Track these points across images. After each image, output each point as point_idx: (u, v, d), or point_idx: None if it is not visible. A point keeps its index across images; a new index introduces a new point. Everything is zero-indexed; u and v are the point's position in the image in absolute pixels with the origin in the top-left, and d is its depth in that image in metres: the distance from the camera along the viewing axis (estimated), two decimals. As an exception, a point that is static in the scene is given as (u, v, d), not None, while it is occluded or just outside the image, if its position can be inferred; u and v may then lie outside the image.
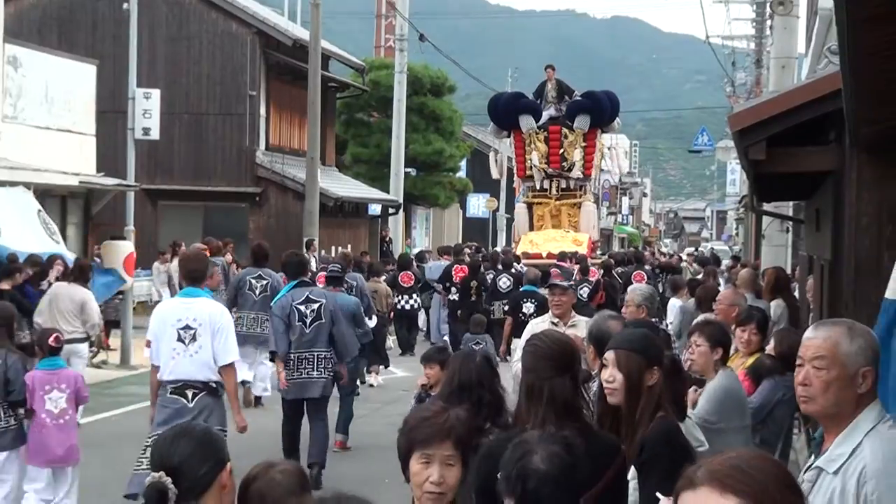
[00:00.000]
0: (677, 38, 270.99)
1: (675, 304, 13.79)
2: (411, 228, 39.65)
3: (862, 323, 3.56)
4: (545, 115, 25.69)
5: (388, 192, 30.54)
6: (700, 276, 17.47)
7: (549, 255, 22.62)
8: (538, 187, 25.59)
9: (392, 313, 17.81)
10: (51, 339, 7.88)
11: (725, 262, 27.73)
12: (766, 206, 14.88)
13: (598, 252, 26.35)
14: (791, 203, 17.25)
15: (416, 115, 35.14)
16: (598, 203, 60.71)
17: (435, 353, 6.82)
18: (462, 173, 41.88)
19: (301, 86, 24.46)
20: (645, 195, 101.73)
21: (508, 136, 26.46)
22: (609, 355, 4.10)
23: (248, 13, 26.19)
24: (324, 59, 25.99)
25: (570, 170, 25.46)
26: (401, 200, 30.29)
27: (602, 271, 18.62)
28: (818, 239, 9.90)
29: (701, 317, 8.37)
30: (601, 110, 25.33)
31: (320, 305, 9.86)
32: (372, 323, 15.59)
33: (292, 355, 9.82)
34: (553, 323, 7.77)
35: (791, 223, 17.89)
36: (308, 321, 9.81)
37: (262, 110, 26.49)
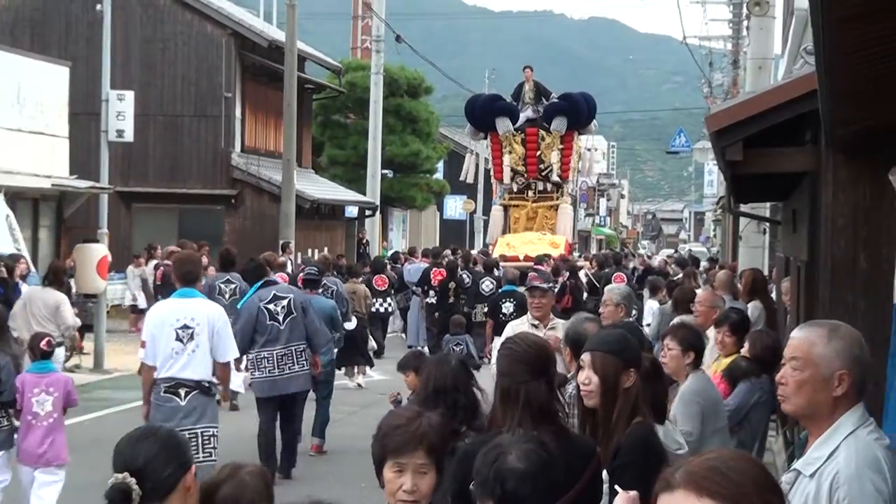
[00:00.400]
0: (654, 38, 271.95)
1: (652, 305, 13.82)
2: (388, 230, 39.62)
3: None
4: (522, 117, 25.73)
5: (364, 194, 30.50)
6: (678, 278, 17.53)
7: (527, 258, 22.63)
8: (514, 190, 25.65)
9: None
10: (42, 342, 8.02)
11: (703, 264, 27.83)
12: (744, 208, 14.92)
13: (576, 254, 26.43)
14: (768, 204, 17.30)
15: (393, 117, 35.12)
16: (576, 204, 60.91)
17: (411, 360, 6.80)
18: (439, 175, 41.89)
19: (277, 87, 24.40)
20: (622, 197, 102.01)
21: (485, 138, 26.50)
22: (585, 357, 4.09)
23: (223, 14, 26.11)
24: (300, 60, 25.93)
25: (547, 172, 25.52)
26: (377, 202, 30.26)
27: (568, 273, 18.59)
28: (795, 240, 9.93)
29: (676, 319, 8.37)
30: (578, 112, 25.43)
31: (289, 301, 9.98)
32: (352, 325, 15.63)
33: (270, 353, 9.83)
34: (533, 325, 7.75)
35: (768, 224, 17.93)
36: (281, 318, 9.90)
37: (238, 112, 26.41)
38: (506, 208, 25.95)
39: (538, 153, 25.52)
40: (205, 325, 7.93)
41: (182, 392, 7.88)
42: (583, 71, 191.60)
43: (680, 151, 53.23)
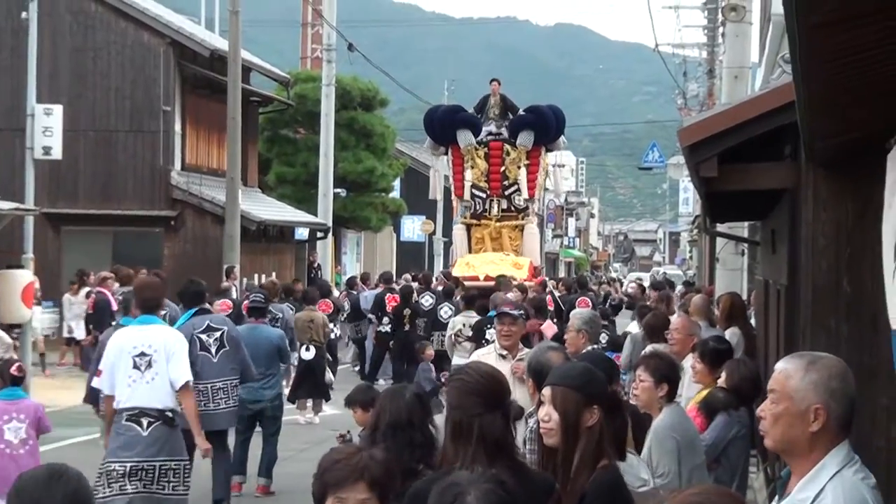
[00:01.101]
0: (625, 46, 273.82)
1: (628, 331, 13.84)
2: (341, 254, 39.52)
3: (819, 351, 3.58)
4: (484, 130, 25.74)
5: (315, 214, 30.42)
6: (650, 303, 17.57)
7: (487, 278, 22.68)
8: (478, 208, 25.64)
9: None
10: (13, 368, 8.31)
11: (679, 288, 27.95)
12: (721, 227, 15.01)
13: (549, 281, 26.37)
14: (746, 224, 17.41)
15: (346, 132, 35.08)
16: (543, 224, 61.11)
17: (358, 395, 6.75)
18: (395, 194, 41.85)
19: (220, 100, 24.27)
20: (592, 216, 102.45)
21: (446, 153, 26.48)
22: (545, 392, 4.07)
23: (161, 22, 26.00)
24: (244, 71, 25.86)
25: (512, 190, 25.51)
26: (329, 224, 30.19)
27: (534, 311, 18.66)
28: (774, 262, 9.98)
29: (648, 348, 8.38)
30: (546, 126, 25.38)
31: (222, 333, 10.10)
32: (310, 355, 15.63)
33: (203, 386, 9.85)
34: (500, 355, 7.73)
35: (746, 245, 18.04)
36: (214, 350, 10.03)
37: (178, 127, 26.28)
38: (468, 227, 25.94)
39: (502, 169, 25.51)
40: (162, 352, 8.31)
41: (144, 422, 8.20)
42: (549, 81, 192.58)
43: (653, 167, 53.55)
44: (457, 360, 15.02)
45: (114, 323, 12.63)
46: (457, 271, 23.95)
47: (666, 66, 36.97)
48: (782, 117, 7.05)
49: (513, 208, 25.54)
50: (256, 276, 26.31)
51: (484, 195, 25.61)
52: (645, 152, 52.17)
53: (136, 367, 8.26)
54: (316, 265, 31.21)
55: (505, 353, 7.77)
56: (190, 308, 10.31)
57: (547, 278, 23.21)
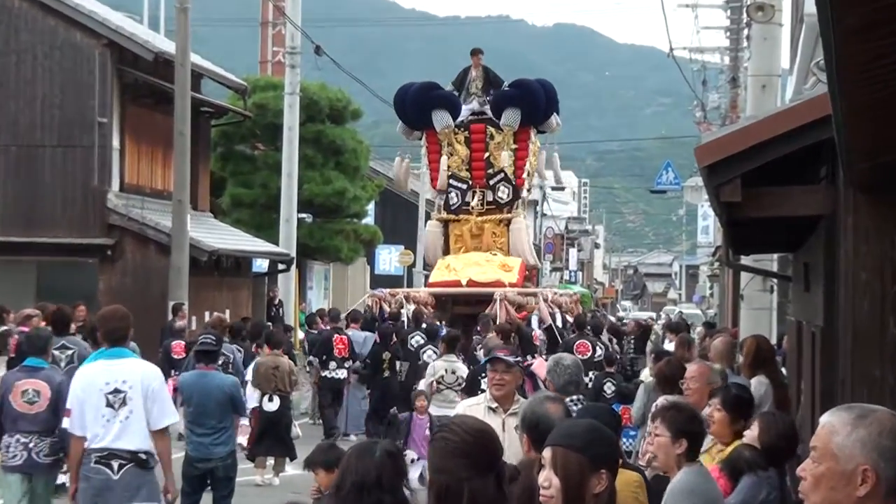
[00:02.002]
0: (635, 50, 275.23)
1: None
2: (306, 289, 39.47)
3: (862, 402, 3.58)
4: (465, 110, 25.52)
5: (276, 243, 30.39)
6: (666, 346, 17.56)
7: (471, 283, 22.61)
8: (456, 201, 25.37)
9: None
10: None
11: (697, 330, 27.99)
12: (745, 260, 15.05)
13: (546, 290, 26.07)
14: (776, 256, 17.47)
15: (312, 148, 35.11)
16: (541, 251, 61.11)
17: (318, 455, 6.73)
18: (370, 220, 41.88)
19: (165, 111, 24.22)
20: (597, 246, 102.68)
21: (420, 138, 26.31)
22: (545, 454, 4.04)
23: (96, 20, 25.97)
24: (194, 77, 25.85)
25: (497, 179, 25.21)
26: (293, 254, 30.16)
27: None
28: (807, 300, 9.99)
29: (661, 398, 8.36)
30: (534, 102, 25.06)
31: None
32: (273, 405, 15.61)
33: None
34: (490, 408, 7.69)
35: (776, 281, 18.09)
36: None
37: (116, 141, 26.25)
38: (446, 224, 25.70)
39: (486, 155, 25.33)
40: (138, 388, 8.59)
41: (115, 464, 8.55)
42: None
43: (668, 190, 53.70)
44: (436, 411, 15.02)
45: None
46: (435, 276, 23.85)
47: (682, 74, 37.16)
48: (817, 133, 7.07)
49: (496, 200, 25.24)
50: (207, 314, 26.23)
51: (465, 186, 25.33)
52: (658, 173, 52.30)
53: (109, 404, 8.56)
54: (277, 302, 31.13)
55: (496, 405, 7.73)
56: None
57: (557, 307, 23.02)
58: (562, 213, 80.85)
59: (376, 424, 19.24)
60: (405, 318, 21.37)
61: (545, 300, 22.24)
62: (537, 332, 20.55)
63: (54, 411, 9.85)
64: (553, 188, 61.33)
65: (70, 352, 13.36)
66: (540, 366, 16.36)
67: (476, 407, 7.70)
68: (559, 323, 21.76)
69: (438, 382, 15.59)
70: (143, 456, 8.62)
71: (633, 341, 24.42)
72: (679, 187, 51.27)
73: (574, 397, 8.02)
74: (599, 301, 75.53)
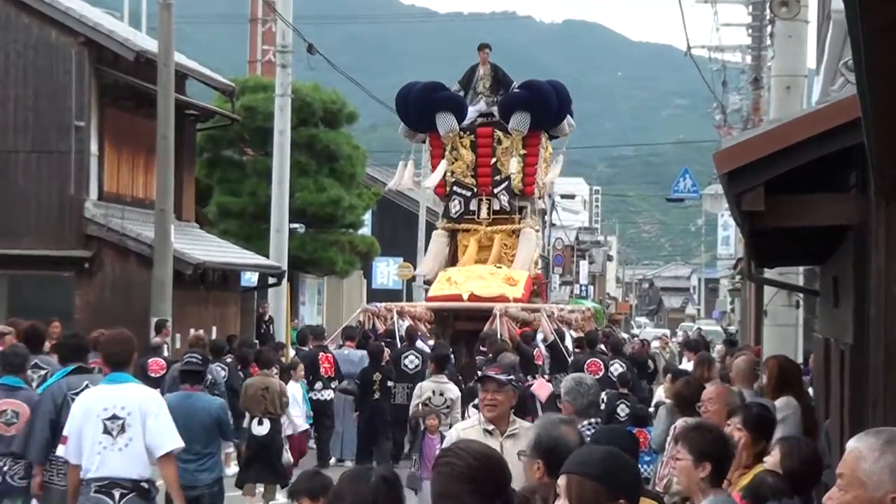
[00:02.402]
0: (650, 49, 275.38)
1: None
2: (298, 304, 39.47)
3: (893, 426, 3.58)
4: (472, 112, 25.53)
5: (267, 255, 30.40)
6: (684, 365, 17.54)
7: (473, 297, 22.53)
8: (459, 209, 25.34)
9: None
10: None
11: (717, 348, 27.98)
12: (769, 274, 15.03)
13: (552, 306, 25.82)
14: (801, 269, 17.46)
15: (305, 153, 35.15)
16: (550, 264, 61.06)
17: (302, 482, 6.68)
18: (366, 230, 41.91)
19: (147, 114, 24.22)
20: (610, 259, 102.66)
21: (424, 141, 26.32)
22: (560, 481, 4.05)
23: (72, 17, 25.98)
24: (179, 77, 25.87)
25: (502, 186, 25.14)
26: (284, 267, 30.17)
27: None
28: (836, 316, 9.99)
29: (680, 420, 8.36)
30: (544, 105, 25.05)
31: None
32: (263, 429, 15.60)
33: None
34: (486, 430, 7.69)
35: (802, 296, 18.08)
36: None
37: (94, 147, 26.26)
38: (452, 233, 25.66)
39: (493, 160, 25.33)
40: (137, 414, 8.85)
41: (116, 494, 8.75)
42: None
43: (685, 198, 53.65)
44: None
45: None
46: (435, 289, 23.78)
47: (701, 74, 37.17)
48: (846, 138, 7.08)
49: (502, 208, 25.18)
50: (192, 331, 26.22)
51: (469, 193, 25.32)
52: (675, 180, 52.27)
53: (106, 431, 8.79)
54: (267, 318, 31.11)
55: (491, 427, 7.73)
56: (67, 364, 10.56)
57: (566, 324, 22.99)
58: (572, 223, 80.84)
59: (363, 451, 19.28)
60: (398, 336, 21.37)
61: (550, 316, 22.19)
62: (541, 350, 20.54)
63: (29, 433, 9.99)
64: (562, 196, 61.38)
65: (43, 371, 13.30)
66: (540, 386, 16.32)
67: (470, 430, 7.69)
68: (568, 342, 21.73)
69: (425, 405, 15.55)
70: (145, 485, 8.87)
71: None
72: (697, 195, 51.21)
73: (592, 420, 8.02)
74: (612, 317, 75.44)
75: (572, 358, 20.39)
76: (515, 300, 22.56)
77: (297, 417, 17.90)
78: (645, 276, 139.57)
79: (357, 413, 19.71)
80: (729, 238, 56.64)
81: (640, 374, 23.76)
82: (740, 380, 10.62)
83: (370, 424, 19.13)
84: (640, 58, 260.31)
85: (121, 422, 8.82)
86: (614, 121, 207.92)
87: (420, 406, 15.56)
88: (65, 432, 9.06)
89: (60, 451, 9.13)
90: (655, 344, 31.57)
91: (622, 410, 15.97)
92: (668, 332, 67.56)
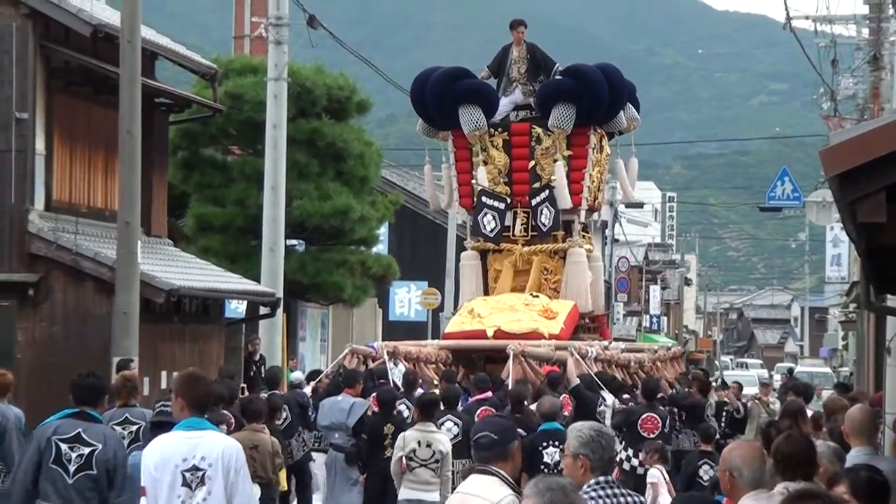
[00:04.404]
0: (739, 20, 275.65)
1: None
2: (297, 340, 39.56)
3: None
4: (505, 104, 25.54)
5: (258, 279, 30.50)
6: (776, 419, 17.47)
7: (499, 334, 22.43)
8: (493, 226, 25.24)
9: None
10: None
11: (824, 394, 27.92)
12: (892, 301, 15.02)
13: (609, 342, 25.21)
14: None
15: (305, 151, 35.24)
16: (613, 289, 60.91)
17: None
18: (382, 248, 41.97)
19: (107, 103, 24.33)
20: (688, 283, 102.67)
21: (447, 139, 26.32)
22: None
23: (15, -16, 26.19)
24: (147, 58, 25.98)
25: (540, 197, 25.00)
26: (280, 294, 30.25)
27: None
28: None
29: (778, 486, 8.37)
30: (594, 95, 24.90)
31: (93, 451, 11.21)
32: (255, 493, 15.66)
33: None
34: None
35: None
36: (73, 468, 11.13)
37: (40, 144, 26.36)
38: (483, 254, 25.61)
39: (531, 164, 25.31)
40: (219, 466, 9.61)
41: None
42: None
43: (783, 207, 53.64)
44: (406, 493, 15.06)
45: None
46: (454, 324, 23.67)
47: (804, 52, 37.11)
48: None
49: (546, 222, 24.98)
50: (165, 373, 26.30)
51: (503, 205, 25.22)
52: (771, 184, 52.32)
53: (185, 483, 9.56)
54: (258, 358, 31.11)
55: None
56: (84, 407, 11.36)
57: (621, 367, 22.91)
58: (640, 239, 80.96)
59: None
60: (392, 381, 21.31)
61: (584, 357, 21.70)
62: (566, 397, 20.50)
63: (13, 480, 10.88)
64: (627, 205, 61.32)
65: None
66: None
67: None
68: (607, 395, 21.35)
69: (409, 458, 15.66)
70: None
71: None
72: (799, 203, 51.23)
73: (608, 477, 8.04)
74: (692, 356, 75.46)
75: (611, 409, 19.94)
76: (552, 336, 22.44)
77: None
78: (732, 304, 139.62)
79: (364, 476, 19.59)
80: (840, 257, 56.56)
81: (732, 424, 23.61)
82: (855, 434, 10.58)
83: (383, 488, 18.93)
84: (725, 31, 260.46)
85: (201, 473, 9.57)
86: (692, 111, 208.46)
87: (403, 459, 15.69)
88: (142, 483, 9.70)
89: (142, 502, 9.75)
90: (753, 391, 30.94)
91: (705, 473, 15.91)
92: (769, 373, 67.37)
